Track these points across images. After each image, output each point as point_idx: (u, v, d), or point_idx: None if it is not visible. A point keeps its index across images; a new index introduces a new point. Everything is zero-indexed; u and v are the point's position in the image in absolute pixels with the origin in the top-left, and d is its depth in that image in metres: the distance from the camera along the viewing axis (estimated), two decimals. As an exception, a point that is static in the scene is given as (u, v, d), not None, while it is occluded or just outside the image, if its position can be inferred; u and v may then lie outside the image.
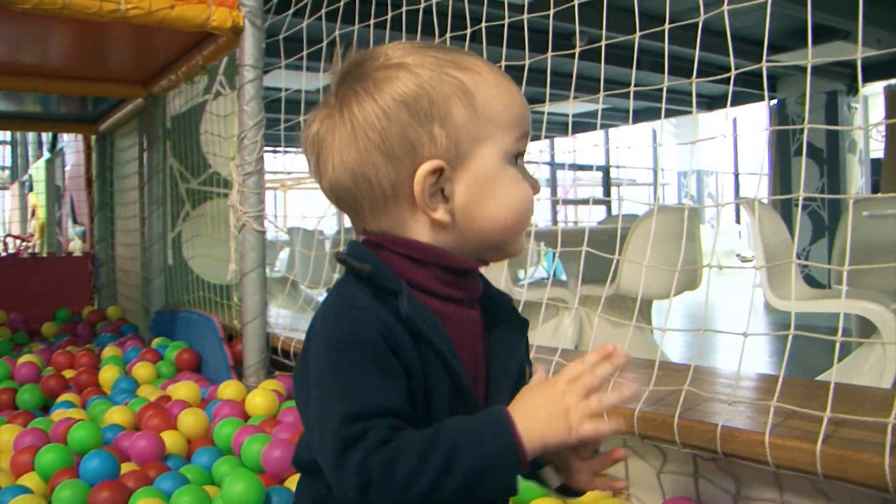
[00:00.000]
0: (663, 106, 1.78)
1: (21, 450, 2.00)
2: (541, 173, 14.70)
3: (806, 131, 7.47)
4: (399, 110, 0.80)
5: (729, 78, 1.49)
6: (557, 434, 0.74)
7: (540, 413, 0.75)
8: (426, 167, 0.80)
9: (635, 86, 1.66)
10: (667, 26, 1.54)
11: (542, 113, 1.88)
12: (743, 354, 1.34)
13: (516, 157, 0.85)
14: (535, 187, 0.87)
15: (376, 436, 0.72)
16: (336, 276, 2.33)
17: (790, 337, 1.24)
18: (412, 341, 0.78)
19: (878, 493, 1.07)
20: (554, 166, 13.65)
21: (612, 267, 1.91)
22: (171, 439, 2.08)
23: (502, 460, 0.73)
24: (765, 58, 1.49)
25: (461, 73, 0.82)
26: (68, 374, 2.93)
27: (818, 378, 2.99)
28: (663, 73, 1.76)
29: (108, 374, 2.81)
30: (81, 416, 2.31)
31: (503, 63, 1.67)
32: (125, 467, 1.91)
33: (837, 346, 1.20)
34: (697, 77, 1.56)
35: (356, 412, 0.73)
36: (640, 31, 1.59)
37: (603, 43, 1.60)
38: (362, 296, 0.79)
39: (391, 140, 0.80)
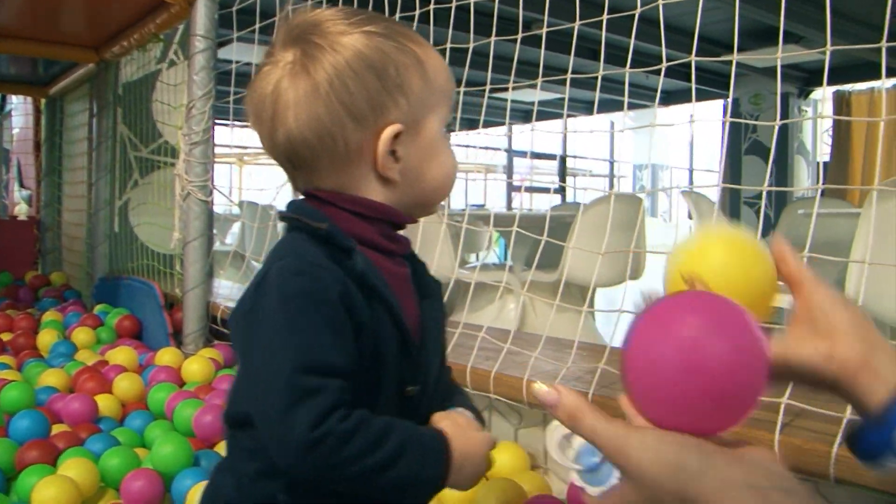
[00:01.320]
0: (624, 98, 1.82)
1: (-49, 408, 2.00)
2: (499, 159, 14.78)
3: (758, 131, 7.60)
4: (369, 74, 0.82)
5: (685, 74, 1.54)
6: (465, 482, 0.82)
7: (468, 465, 0.82)
8: (391, 130, 0.84)
9: (593, 78, 1.71)
10: (605, 17, 1.58)
11: (505, 100, 1.91)
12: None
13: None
14: None
15: (329, 397, 0.74)
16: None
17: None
18: (364, 298, 0.81)
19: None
20: (511, 153, 13.72)
21: (563, 253, 1.96)
22: (105, 402, 2.09)
23: (428, 485, 0.80)
24: (735, 55, 1.54)
25: (414, 45, 0.87)
26: (6, 336, 2.91)
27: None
28: (622, 65, 1.80)
29: (47, 338, 2.80)
30: (16, 377, 2.31)
31: (462, 45, 1.69)
32: (57, 428, 1.92)
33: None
34: (654, 73, 1.60)
35: (311, 366, 0.75)
36: (602, 22, 1.64)
37: (544, 30, 1.64)
38: (319, 253, 0.81)
39: (360, 102, 0.82)
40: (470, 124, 10.82)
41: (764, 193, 1.56)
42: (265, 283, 0.80)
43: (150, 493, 1.59)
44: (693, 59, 1.48)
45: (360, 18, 0.85)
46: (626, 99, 1.73)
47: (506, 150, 13.77)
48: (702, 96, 8.64)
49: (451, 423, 0.84)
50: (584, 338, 1.69)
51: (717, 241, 0.75)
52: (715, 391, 0.57)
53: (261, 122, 0.86)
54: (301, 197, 0.90)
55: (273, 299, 0.78)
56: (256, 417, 0.78)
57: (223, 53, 2.77)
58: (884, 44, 1.20)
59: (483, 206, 13.56)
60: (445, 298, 2.06)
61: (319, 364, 0.75)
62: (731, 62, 1.74)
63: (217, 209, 5.01)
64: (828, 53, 1.20)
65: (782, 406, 1.13)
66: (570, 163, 14.19)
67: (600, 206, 3.79)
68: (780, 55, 1.41)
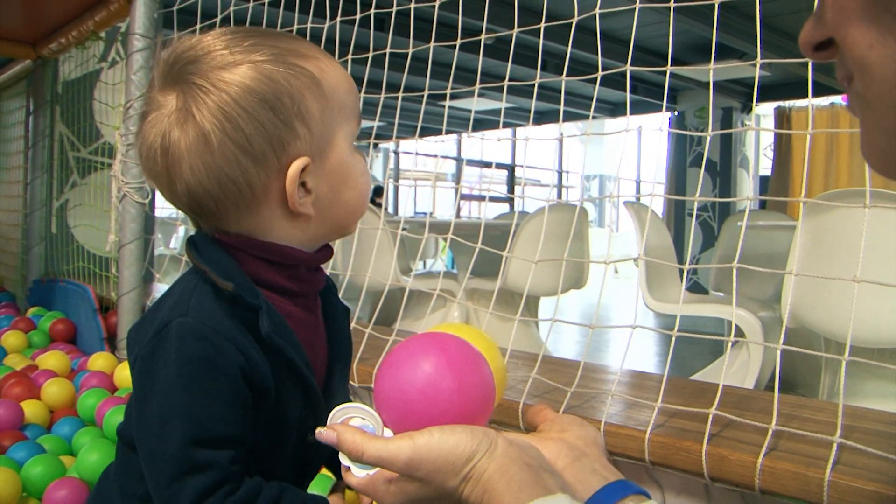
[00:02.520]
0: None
1: None
2: (447, 167, 14.79)
3: (703, 143, 7.71)
4: (261, 109, 0.75)
5: (633, 86, 1.54)
6: None
7: None
8: (297, 165, 0.77)
9: (542, 88, 1.71)
10: (542, 24, 1.59)
11: (455, 108, 1.90)
12: (627, 351, 1.40)
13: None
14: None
15: (215, 474, 0.73)
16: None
17: (632, 331, 1.30)
18: (269, 359, 0.78)
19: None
20: (460, 161, 13.76)
21: (502, 262, 1.95)
22: (32, 409, 2.03)
23: None
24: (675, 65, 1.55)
25: (305, 62, 0.79)
26: (-68, 340, 2.81)
27: (692, 377, 3.12)
28: (568, 76, 1.81)
29: (-25, 342, 2.71)
30: (-61, 382, 2.23)
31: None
32: (-22, 435, 1.86)
33: (673, 340, 1.27)
34: (601, 84, 1.61)
35: (202, 438, 0.73)
36: (545, 33, 1.64)
37: (482, 37, 1.64)
38: (221, 316, 0.76)
39: (257, 141, 0.75)
40: (414, 131, 10.80)
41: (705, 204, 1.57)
42: (166, 336, 0.75)
43: (73, 502, 1.54)
44: (629, 68, 1.48)
45: (245, 46, 0.78)
46: (561, 108, 1.73)
47: (453, 158, 13.78)
48: (649, 108, 8.76)
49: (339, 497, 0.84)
50: (526, 347, 1.69)
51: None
52: (449, 417, 0.70)
53: (156, 175, 0.80)
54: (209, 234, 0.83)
55: (172, 359, 0.74)
56: (145, 470, 0.76)
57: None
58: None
59: (431, 213, 13.57)
60: (380, 306, 2.05)
61: (210, 436, 0.74)
62: (675, 74, 1.75)
63: (161, 213, 4.92)
64: (757, 67, 1.22)
65: (710, 417, 1.14)
66: (518, 172, 14.26)
67: (543, 216, 3.81)
68: (712, 66, 1.43)
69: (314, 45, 0.84)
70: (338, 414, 0.75)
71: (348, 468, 0.73)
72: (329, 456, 0.87)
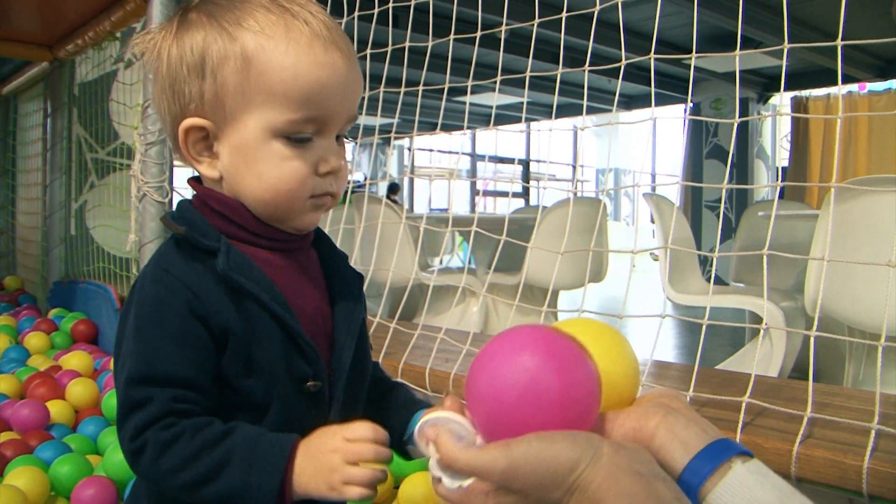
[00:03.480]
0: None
1: None
2: (462, 164, 14.77)
3: (719, 135, 7.67)
4: (181, 62, 0.80)
5: (647, 78, 1.52)
6: (319, 490, 0.74)
7: (312, 463, 0.74)
8: (186, 123, 0.81)
9: (555, 81, 1.70)
10: (563, 15, 1.57)
11: (466, 104, 1.89)
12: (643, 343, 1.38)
13: (299, 134, 0.81)
14: (322, 168, 0.82)
15: (154, 408, 0.73)
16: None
17: (661, 321, 1.29)
18: (231, 298, 0.78)
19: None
20: (474, 157, 13.73)
21: (526, 256, 1.94)
22: (57, 409, 2.03)
23: (261, 495, 0.73)
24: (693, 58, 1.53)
25: (250, 35, 0.79)
26: (-44, 342, 2.83)
27: (720, 366, 3.10)
28: (585, 70, 1.79)
29: (-2, 343, 2.73)
30: (-36, 383, 2.24)
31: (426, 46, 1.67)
32: (5, 436, 1.86)
33: (702, 330, 1.26)
34: (617, 76, 1.59)
35: (143, 376, 0.74)
36: (565, 26, 1.62)
37: (503, 28, 1.63)
38: (177, 259, 0.79)
39: (171, 91, 0.81)
40: (431, 127, 10.80)
41: (724, 195, 1.55)
42: (133, 288, 0.81)
43: (102, 500, 1.54)
44: (652, 57, 1.47)
45: (227, 9, 0.81)
46: (585, 102, 1.72)
47: (468, 154, 13.76)
48: (664, 101, 8.72)
49: (320, 432, 0.78)
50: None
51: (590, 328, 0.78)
52: (550, 422, 0.64)
53: None
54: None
55: (132, 305, 0.78)
56: None
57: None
58: (839, 42, 1.20)
59: (446, 210, 13.55)
60: (404, 302, 2.04)
61: (153, 374, 0.74)
62: (690, 65, 1.73)
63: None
64: (785, 52, 1.20)
65: (743, 405, 1.13)
66: (533, 167, 14.23)
67: (562, 209, 3.79)
68: (738, 53, 1.41)
69: (297, 25, 0.80)
70: (427, 423, 0.72)
71: (439, 480, 0.69)
72: (342, 414, 0.84)
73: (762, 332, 1.27)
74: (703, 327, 1.25)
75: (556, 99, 1.80)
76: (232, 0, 0.81)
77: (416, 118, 1.98)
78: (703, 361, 1.31)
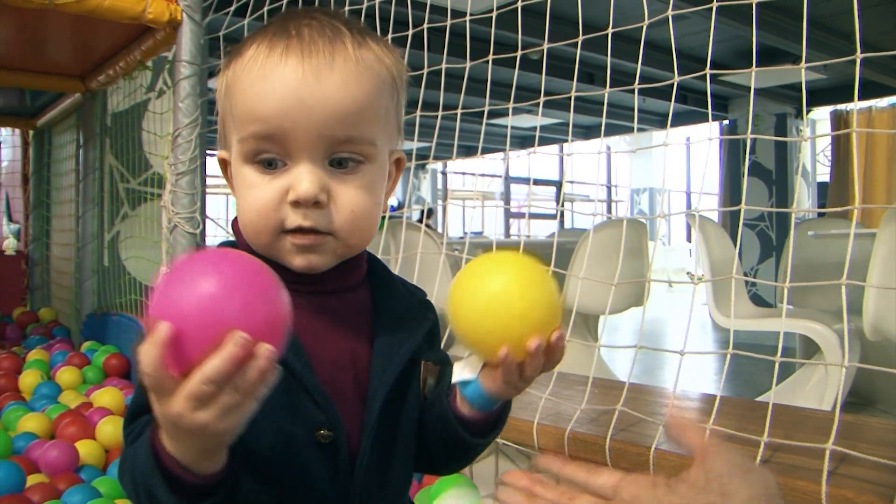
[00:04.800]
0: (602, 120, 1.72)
1: (-77, 459, 1.88)
2: (496, 186, 14.72)
3: (757, 152, 7.52)
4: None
5: (682, 95, 1.44)
6: (185, 443, 0.61)
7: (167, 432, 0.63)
8: (217, 156, 0.82)
9: (589, 102, 1.61)
10: (611, 31, 1.49)
11: (501, 126, 1.82)
12: (680, 372, 1.29)
13: (262, 158, 0.74)
14: (290, 196, 0.74)
15: (132, 439, 0.72)
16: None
17: (728, 356, 1.19)
18: None
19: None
20: (508, 180, 13.66)
21: (565, 281, 1.85)
22: (87, 449, 1.97)
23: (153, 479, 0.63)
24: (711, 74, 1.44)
25: (236, 60, 0.76)
26: (-12, 377, 2.79)
27: (759, 398, 2.97)
28: (613, 88, 1.71)
29: (30, 379, 2.68)
30: (-5, 422, 2.19)
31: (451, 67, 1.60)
32: (33, 479, 1.80)
33: (777, 366, 1.16)
34: (649, 94, 1.51)
35: (132, 412, 0.76)
36: (589, 44, 1.54)
37: (545, 46, 1.55)
38: None
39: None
40: (467, 151, 10.74)
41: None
42: None
43: (131, 551, 1.46)
44: (676, 79, 1.37)
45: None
46: (601, 119, 1.64)
47: (503, 177, 13.70)
48: (699, 118, 8.58)
49: None
50: (587, 369, 1.57)
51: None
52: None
53: None
54: None
55: None
56: None
57: (214, 83, 2.67)
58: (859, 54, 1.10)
59: (481, 233, 13.48)
60: (447, 331, 1.95)
61: (139, 408, 0.74)
62: (726, 82, 1.62)
63: (212, 241, 4.91)
64: (802, 69, 1.10)
65: (827, 453, 1.02)
66: (567, 188, 14.13)
67: (603, 232, 3.69)
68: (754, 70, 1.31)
69: (268, 41, 0.74)
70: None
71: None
72: (371, 473, 0.78)
73: (833, 367, 1.16)
74: (727, 357, 1.15)
75: (603, 121, 1.71)
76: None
77: (455, 142, 1.91)
78: (749, 387, 1.21)
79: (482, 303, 0.73)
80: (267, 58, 0.73)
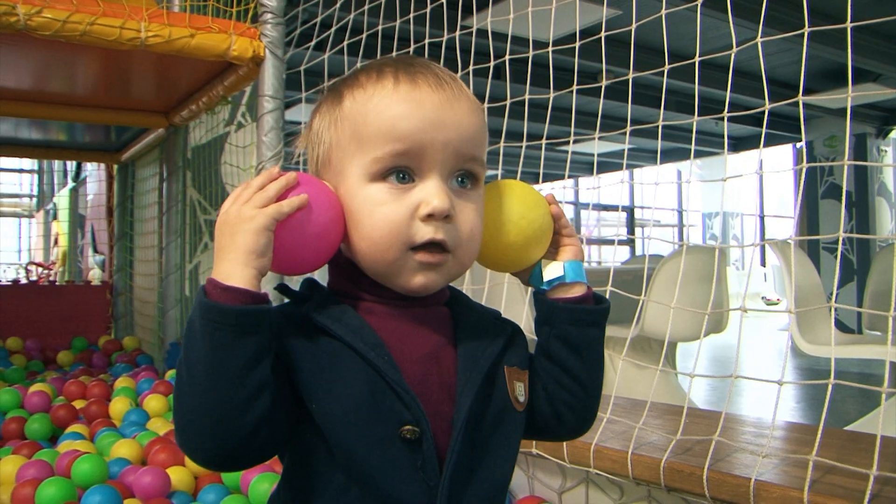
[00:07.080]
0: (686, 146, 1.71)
1: (23, 482, 1.95)
2: (566, 214, 14.66)
3: (835, 173, 7.34)
4: (311, 132, 0.87)
5: (756, 118, 1.43)
6: (240, 251, 0.72)
7: (219, 248, 0.74)
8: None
9: (662, 126, 1.60)
10: (698, 59, 1.48)
11: (567, 152, 1.82)
12: (778, 403, 1.26)
13: (395, 174, 0.78)
14: (423, 210, 0.77)
15: None
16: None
17: (830, 386, 1.15)
18: (311, 335, 0.77)
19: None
20: (578, 206, 13.58)
21: (637, 308, 1.83)
22: (177, 475, 2.01)
23: (206, 316, 0.70)
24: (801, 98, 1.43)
25: (348, 91, 0.82)
26: (79, 404, 2.88)
27: (849, 427, 2.88)
28: (689, 112, 1.70)
29: (120, 406, 2.75)
30: (89, 448, 2.26)
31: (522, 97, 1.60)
32: (128, 503, 1.84)
33: (884, 396, 1.12)
34: (724, 118, 1.50)
35: None
36: (668, 70, 1.54)
37: (630, 76, 1.54)
38: (287, 305, 0.82)
39: (310, 157, 0.88)
40: (534, 178, 10.73)
41: (840, 238, 1.42)
42: None
43: (224, 577, 1.49)
44: (766, 107, 1.35)
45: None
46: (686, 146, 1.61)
47: (572, 203, 13.63)
48: (773, 141, 8.43)
49: None
50: (665, 397, 1.55)
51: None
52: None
53: None
54: None
55: None
56: None
57: (290, 115, 2.74)
58: None
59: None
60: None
61: None
62: (799, 104, 1.59)
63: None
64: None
65: (810, 463, 0.98)
66: (637, 213, 13.98)
67: (678, 259, 3.63)
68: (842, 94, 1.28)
69: (386, 73, 0.81)
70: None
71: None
72: (459, 469, 0.78)
73: (883, 394, 1.12)
74: (829, 387, 1.12)
75: (692, 147, 1.69)
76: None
77: (519, 168, 1.92)
78: (830, 415, 1.18)
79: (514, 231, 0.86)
80: (398, 84, 0.79)
